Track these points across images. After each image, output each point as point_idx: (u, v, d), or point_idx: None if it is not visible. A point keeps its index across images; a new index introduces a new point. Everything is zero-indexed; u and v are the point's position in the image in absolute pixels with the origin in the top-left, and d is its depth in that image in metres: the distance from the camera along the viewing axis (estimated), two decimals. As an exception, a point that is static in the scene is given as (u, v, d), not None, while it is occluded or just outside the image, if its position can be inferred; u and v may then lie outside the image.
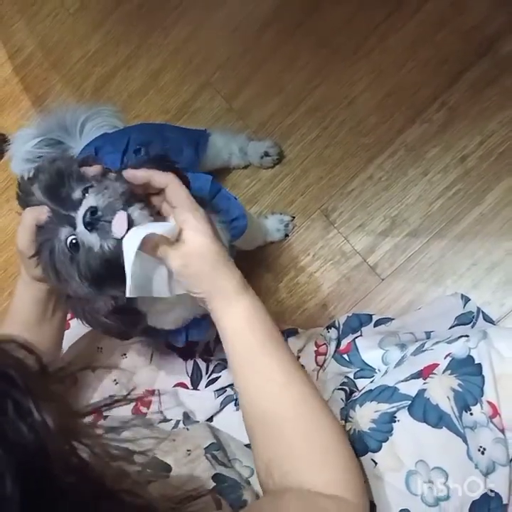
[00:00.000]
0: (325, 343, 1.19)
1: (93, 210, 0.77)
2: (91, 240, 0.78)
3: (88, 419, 0.52)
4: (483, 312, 1.17)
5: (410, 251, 1.32)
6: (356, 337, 1.19)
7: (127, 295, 0.77)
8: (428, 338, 1.11)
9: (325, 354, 1.18)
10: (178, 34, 1.69)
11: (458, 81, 1.36)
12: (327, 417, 0.76)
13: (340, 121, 1.45)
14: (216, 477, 0.81)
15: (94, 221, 0.77)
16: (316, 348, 1.20)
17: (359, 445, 0.87)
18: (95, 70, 1.78)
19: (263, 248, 1.42)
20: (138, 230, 0.77)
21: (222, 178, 1.52)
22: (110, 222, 0.77)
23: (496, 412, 0.84)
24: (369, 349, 1.13)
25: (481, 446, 0.83)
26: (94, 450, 0.48)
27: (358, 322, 1.25)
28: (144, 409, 1.12)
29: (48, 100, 1.82)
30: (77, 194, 0.80)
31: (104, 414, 1.09)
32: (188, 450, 0.84)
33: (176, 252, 0.79)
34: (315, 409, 0.76)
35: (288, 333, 1.26)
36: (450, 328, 1.15)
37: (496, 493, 0.83)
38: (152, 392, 1.13)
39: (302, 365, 0.82)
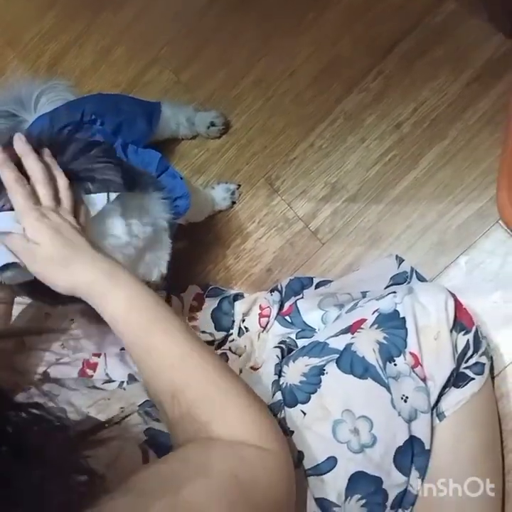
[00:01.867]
0: (269, 306, 1.19)
1: None
2: None
3: None
4: (416, 272, 1.18)
5: (349, 216, 1.31)
6: (298, 299, 1.19)
7: None
8: (364, 297, 1.11)
9: (268, 316, 1.18)
10: (127, 12, 1.65)
11: (391, 52, 1.34)
12: (231, 376, 0.75)
13: (282, 92, 1.43)
14: (148, 431, 0.80)
15: None
16: (260, 311, 1.20)
17: (289, 397, 0.88)
18: (49, 46, 1.74)
19: (211, 217, 1.40)
20: None
21: (171, 148, 1.50)
22: None
23: (417, 362, 0.85)
24: (309, 310, 1.13)
25: (403, 395, 0.84)
26: None
27: (300, 285, 1.25)
28: (89, 372, 1.11)
29: (4, 77, 1.77)
30: None
31: (52, 377, 1.10)
32: (121, 408, 0.84)
33: (22, 245, 0.79)
34: (217, 370, 0.74)
35: (234, 297, 1.26)
36: (386, 288, 1.16)
37: (418, 439, 0.84)
38: (98, 355, 1.12)
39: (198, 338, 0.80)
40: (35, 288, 0.83)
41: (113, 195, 0.87)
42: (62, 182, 0.84)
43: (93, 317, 1.15)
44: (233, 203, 1.41)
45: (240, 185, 1.42)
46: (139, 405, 0.86)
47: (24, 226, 0.78)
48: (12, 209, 0.80)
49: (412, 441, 0.83)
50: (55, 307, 1.07)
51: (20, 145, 0.83)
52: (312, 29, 1.44)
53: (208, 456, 0.63)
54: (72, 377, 1.07)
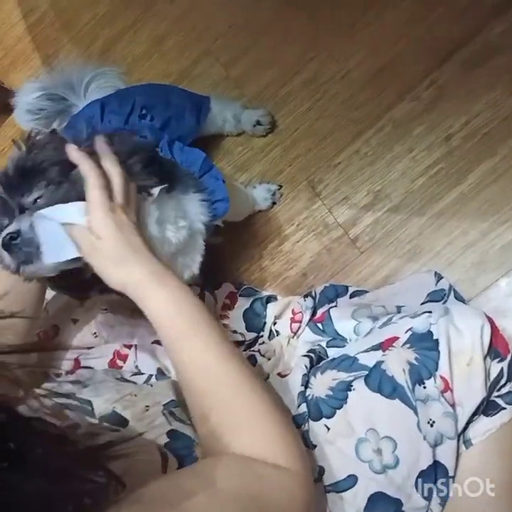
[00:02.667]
0: (301, 312, 1.19)
1: (14, 236, 0.81)
2: (6, 260, 0.83)
3: None
4: (454, 290, 1.16)
5: (390, 226, 1.30)
6: (331, 307, 1.18)
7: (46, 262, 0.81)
8: (398, 312, 1.10)
9: (300, 322, 1.17)
10: (182, 2, 1.65)
11: (448, 60, 1.32)
12: (261, 389, 0.77)
13: (332, 95, 1.42)
14: (170, 433, 0.81)
15: (12, 246, 0.81)
16: (292, 316, 1.19)
17: (314, 411, 0.87)
18: (103, 32, 1.75)
19: (250, 216, 1.40)
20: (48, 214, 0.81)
21: (215, 144, 1.51)
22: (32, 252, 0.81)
23: (447, 387, 0.83)
24: (342, 319, 1.12)
25: (430, 419, 0.83)
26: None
27: (335, 293, 1.24)
28: (120, 363, 1.12)
29: (57, 60, 1.79)
30: (29, 198, 0.83)
31: (83, 365, 1.12)
32: (146, 406, 0.84)
33: (83, 236, 0.82)
34: (248, 382, 0.76)
35: (267, 299, 1.26)
36: (422, 304, 1.14)
37: (443, 465, 0.83)
38: (129, 347, 1.13)
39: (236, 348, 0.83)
40: (65, 282, 0.85)
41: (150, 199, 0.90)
42: (132, 185, 0.88)
43: (125, 308, 1.17)
44: (274, 203, 1.41)
45: (281, 186, 1.41)
46: (164, 404, 0.87)
47: (92, 218, 0.82)
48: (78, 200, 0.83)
49: (436, 466, 0.82)
50: (83, 300, 1.09)
51: (102, 146, 0.87)
52: (368, 30, 1.42)
53: (221, 472, 0.64)
54: (102, 369, 1.08)
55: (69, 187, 0.84)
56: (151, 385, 0.96)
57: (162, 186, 0.90)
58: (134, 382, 1.02)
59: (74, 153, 0.85)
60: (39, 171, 0.84)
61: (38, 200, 0.84)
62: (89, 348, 1.12)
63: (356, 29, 1.43)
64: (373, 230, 1.32)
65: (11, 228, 0.82)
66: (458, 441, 0.83)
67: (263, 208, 1.41)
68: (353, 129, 1.38)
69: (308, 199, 1.39)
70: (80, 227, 0.82)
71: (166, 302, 0.80)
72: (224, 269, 1.40)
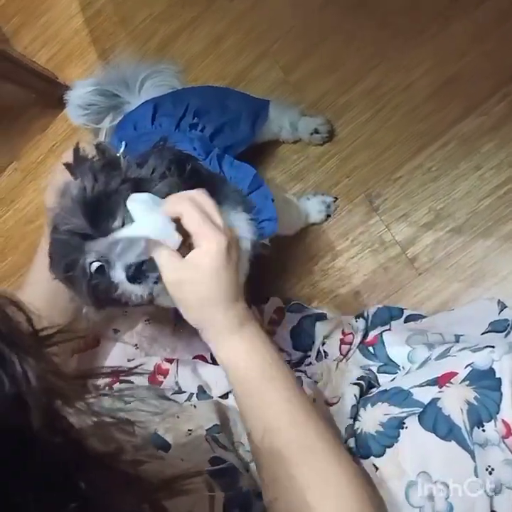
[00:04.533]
0: (352, 333, 1.16)
1: (138, 266, 0.75)
2: (134, 290, 0.77)
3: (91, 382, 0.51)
4: (519, 321, 1.11)
5: (452, 248, 1.26)
6: (384, 330, 1.15)
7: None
8: (457, 341, 1.06)
9: (350, 344, 1.15)
10: (243, 1, 1.64)
11: (522, 73, 1.27)
12: (338, 460, 0.74)
13: (394, 105, 1.38)
14: (214, 460, 0.79)
15: (139, 276, 0.76)
16: (342, 337, 1.17)
17: (363, 448, 0.85)
18: (160, 29, 1.75)
19: (302, 228, 1.38)
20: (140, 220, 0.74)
21: (270, 150, 1.49)
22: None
23: (509, 433, 0.79)
24: (395, 344, 1.09)
25: (489, 466, 0.78)
26: (83, 414, 0.47)
27: (388, 315, 1.21)
28: (160, 378, 1.11)
29: (113, 55, 1.81)
30: (116, 222, 0.77)
31: (121, 378, 1.11)
32: (189, 430, 0.83)
33: (173, 264, 0.74)
34: (324, 451, 0.73)
35: (317, 318, 1.23)
36: (482, 334, 1.10)
37: (500, 516, 0.78)
38: (170, 361, 1.12)
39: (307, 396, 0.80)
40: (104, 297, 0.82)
41: None
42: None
43: (168, 321, 1.16)
44: (328, 216, 1.38)
45: (336, 199, 1.39)
46: (207, 429, 0.85)
47: (199, 242, 0.74)
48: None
49: (493, 517, 0.78)
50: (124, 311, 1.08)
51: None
52: (436, 40, 1.38)
53: None
54: (143, 385, 1.07)
55: None
56: (194, 406, 0.94)
57: None
58: (176, 401, 1.00)
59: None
60: (112, 195, 0.78)
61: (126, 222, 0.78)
62: (129, 370, 1.10)
63: (423, 38, 1.39)
64: (433, 251, 1.28)
65: (129, 259, 0.76)
66: (518, 491, 0.79)
67: (317, 221, 1.38)
68: (416, 142, 1.34)
69: (364, 213, 1.36)
70: (172, 251, 0.75)
71: (244, 351, 0.77)
72: (272, 283, 1.38)
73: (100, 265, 0.77)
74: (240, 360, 0.76)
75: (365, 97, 1.42)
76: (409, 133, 1.36)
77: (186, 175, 0.84)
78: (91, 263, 0.77)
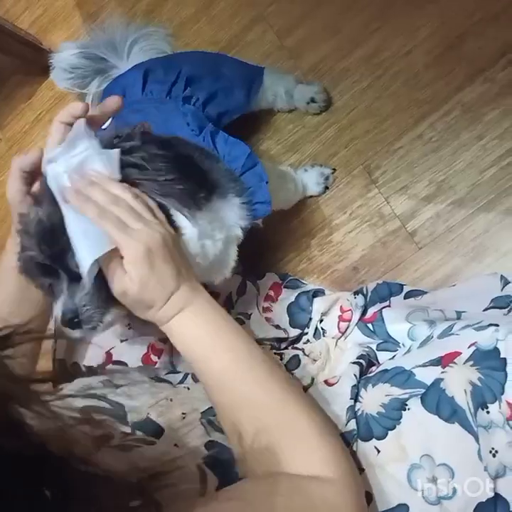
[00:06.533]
0: (350, 310, 1.15)
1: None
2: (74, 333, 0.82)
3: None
4: (522, 297, 1.10)
5: (453, 221, 1.24)
6: (384, 307, 1.15)
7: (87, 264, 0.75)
8: (459, 318, 1.05)
9: (349, 321, 1.14)
10: (234, -39, 1.60)
11: (531, 37, 1.24)
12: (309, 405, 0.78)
13: (395, 72, 1.36)
14: (209, 445, 0.79)
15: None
16: (340, 313, 1.16)
17: (364, 430, 0.84)
18: (148, -9, 1.71)
19: (298, 201, 1.36)
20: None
21: (265, 120, 1.47)
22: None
23: (514, 414, 0.79)
24: (395, 321, 1.08)
25: (493, 448, 0.78)
26: (42, 415, 0.47)
27: (388, 291, 1.20)
28: (154, 358, 1.10)
29: (99, 19, 1.76)
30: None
31: (115, 359, 1.10)
32: (183, 413, 0.82)
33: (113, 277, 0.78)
34: (293, 399, 0.78)
35: (314, 293, 1.22)
36: (484, 310, 1.09)
37: (504, 499, 0.78)
38: (164, 341, 1.11)
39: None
40: None
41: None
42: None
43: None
44: (326, 188, 1.36)
45: (335, 170, 1.36)
46: (202, 412, 0.84)
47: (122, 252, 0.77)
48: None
49: (496, 500, 0.78)
50: None
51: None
52: (440, 1, 1.34)
53: (273, 500, 0.62)
54: (136, 367, 1.07)
55: None
56: (188, 388, 0.93)
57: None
58: (170, 382, 0.99)
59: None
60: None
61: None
62: (121, 341, 1.10)
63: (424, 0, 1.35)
64: (434, 225, 1.26)
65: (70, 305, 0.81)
66: (522, 473, 0.79)
67: (315, 194, 1.36)
68: (417, 111, 1.32)
69: (363, 186, 1.34)
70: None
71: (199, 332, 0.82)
72: (268, 257, 1.37)
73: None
74: (186, 337, 0.82)
75: (364, 63, 1.39)
76: (410, 101, 1.33)
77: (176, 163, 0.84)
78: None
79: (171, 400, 0.86)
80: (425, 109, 1.31)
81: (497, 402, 0.79)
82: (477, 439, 0.78)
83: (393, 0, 1.38)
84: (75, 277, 0.79)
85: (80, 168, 0.80)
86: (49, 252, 0.79)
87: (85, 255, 0.75)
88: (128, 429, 0.76)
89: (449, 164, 1.27)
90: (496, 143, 1.24)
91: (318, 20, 1.46)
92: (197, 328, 0.81)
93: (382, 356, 1.07)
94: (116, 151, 0.80)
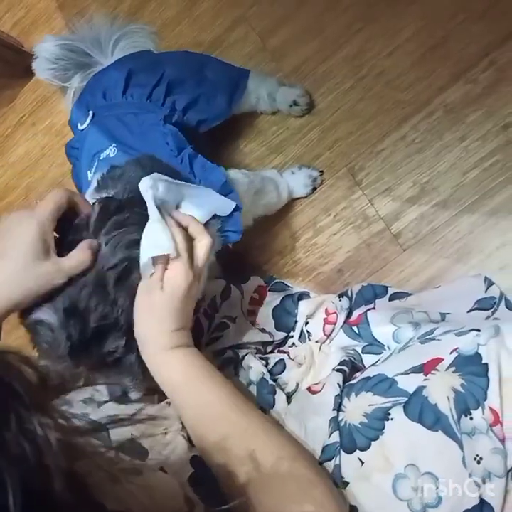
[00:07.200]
0: (335, 312, 1.14)
1: None
2: None
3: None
4: (506, 299, 1.09)
5: (437, 223, 1.24)
6: (369, 309, 1.14)
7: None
8: (443, 319, 1.05)
9: (334, 324, 1.13)
10: (217, -38, 1.58)
11: (511, 39, 1.23)
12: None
13: (377, 73, 1.35)
14: (194, 461, 0.77)
15: None
16: (325, 316, 1.15)
17: (347, 441, 0.83)
18: (130, -8, 1.69)
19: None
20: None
21: (248, 122, 1.45)
22: None
23: (497, 420, 0.78)
24: (380, 324, 1.08)
25: (477, 455, 0.78)
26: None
27: (373, 293, 1.19)
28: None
29: (81, 21, 1.74)
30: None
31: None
32: (164, 429, 0.81)
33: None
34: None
35: (300, 296, 1.21)
36: (468, 311, 1.08)
37: (489, 505, 0.78)
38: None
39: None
40: None
41: None
42: None
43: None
44: (314, 189, 1.35)
45: (322, 172, 1.35)
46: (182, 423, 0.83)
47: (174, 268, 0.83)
48: None
49: (482, 506, 0.77)
50: None
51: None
52: (420, 2, 1.33)
53: None
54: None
55: None
56: (169, 404, 0.91)
57: None
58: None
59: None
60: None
61: None
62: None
63: (407, 1, 1.34)
64: (418, 226, 1.25)
65: None
66: (507, 479, 0.79)
67: (302, 196, 1.35)
68: (400, 112, 1.31)
69: (347, 188, 1.33)
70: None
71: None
72: (252, 260, 1.36)
73: None
74: (175, 372, 0.82)
75: (346, 65, 1.38)
76: (393, 102, 1.32)
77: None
78: None
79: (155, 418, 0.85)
80: (408, 110, 1.30)
81: (480, 408, 0.79)
82: (461, 447, 0.77)
83: (376, 1, 1.37)
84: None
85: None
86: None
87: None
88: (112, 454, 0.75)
89: (432, 166, 1.26)
90: (478, 144, 1.23)
91: (300, 22, 1.45)
92: (193, 367, 0.83)
93: (368, 359, 1.06)
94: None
